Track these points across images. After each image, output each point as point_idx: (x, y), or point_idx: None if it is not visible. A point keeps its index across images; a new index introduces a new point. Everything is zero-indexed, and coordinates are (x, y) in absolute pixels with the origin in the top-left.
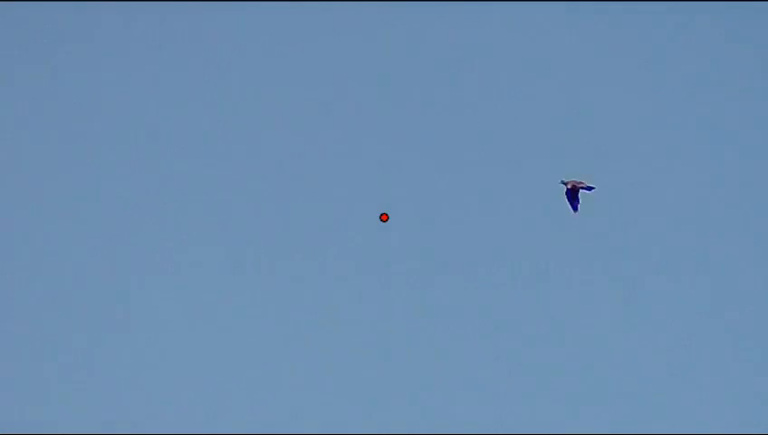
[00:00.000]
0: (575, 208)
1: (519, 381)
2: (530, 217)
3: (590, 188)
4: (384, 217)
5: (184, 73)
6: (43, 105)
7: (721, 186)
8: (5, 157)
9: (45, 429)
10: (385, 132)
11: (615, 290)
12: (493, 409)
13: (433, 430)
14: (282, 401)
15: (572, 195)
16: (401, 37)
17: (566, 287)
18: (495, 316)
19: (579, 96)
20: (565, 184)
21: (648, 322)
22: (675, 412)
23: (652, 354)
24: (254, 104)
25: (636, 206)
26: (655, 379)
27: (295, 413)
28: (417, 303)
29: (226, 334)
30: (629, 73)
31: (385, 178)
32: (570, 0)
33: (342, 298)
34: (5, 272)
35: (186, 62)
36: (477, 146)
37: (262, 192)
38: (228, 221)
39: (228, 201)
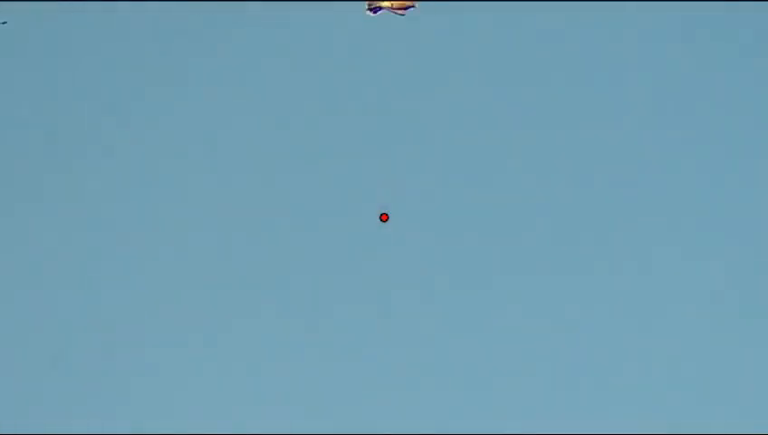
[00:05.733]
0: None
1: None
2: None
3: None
4: (384, 217)
5: (183, 72)
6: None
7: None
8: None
9: (46, 428)
10: (386, 132)
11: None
12: (492, 407)
13: (433, 430)
14: (281, 400)
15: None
16: (401, 37)
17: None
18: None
19: (577, 96)
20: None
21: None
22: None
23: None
24: (255, 104)
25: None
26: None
27: (295, 413)
28: (415, 303)
29: (225, 334)
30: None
31: (384, 178)
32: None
33: (341, 297)
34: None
35: (185, 60)
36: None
37: (261, 191)
38: (226, 221)
39: (227, 200)
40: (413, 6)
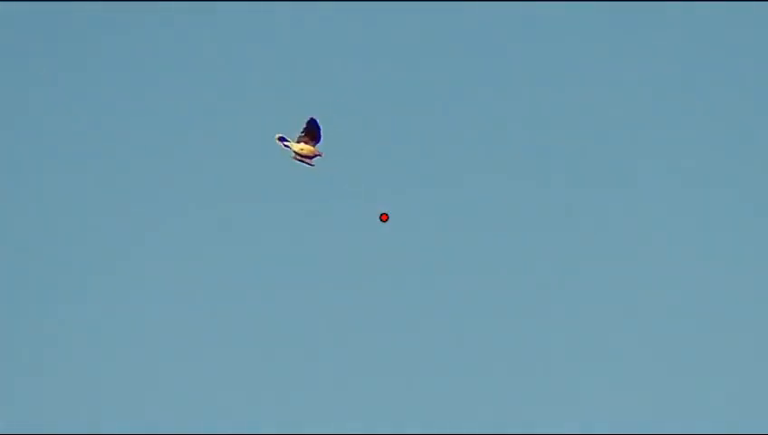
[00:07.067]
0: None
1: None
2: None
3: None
4: (384, 217)
5: (183, 73)
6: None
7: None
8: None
9: (47, 428)
10: (385, 131)
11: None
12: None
13: (433, 430)
14: (280, 400)
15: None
16: (401, 36)
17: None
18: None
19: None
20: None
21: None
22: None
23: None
24: (256, 104)
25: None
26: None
27: (295, 412)
28: (414, 301)
29: (225, 333)
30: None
31: (385, 177)
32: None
33: (342, 297)
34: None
35: (185, 61)
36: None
37: (261, 190)
38: (226, 220)
39: (228, 201)
40: (320, 156)
